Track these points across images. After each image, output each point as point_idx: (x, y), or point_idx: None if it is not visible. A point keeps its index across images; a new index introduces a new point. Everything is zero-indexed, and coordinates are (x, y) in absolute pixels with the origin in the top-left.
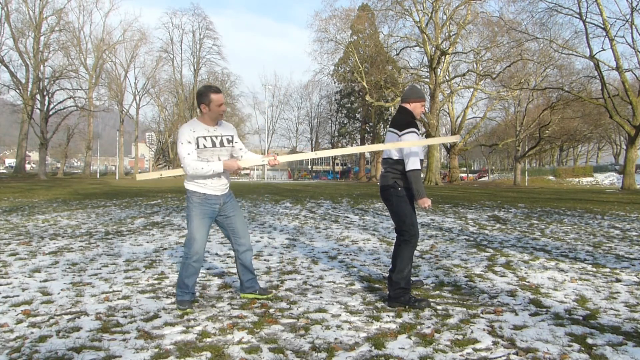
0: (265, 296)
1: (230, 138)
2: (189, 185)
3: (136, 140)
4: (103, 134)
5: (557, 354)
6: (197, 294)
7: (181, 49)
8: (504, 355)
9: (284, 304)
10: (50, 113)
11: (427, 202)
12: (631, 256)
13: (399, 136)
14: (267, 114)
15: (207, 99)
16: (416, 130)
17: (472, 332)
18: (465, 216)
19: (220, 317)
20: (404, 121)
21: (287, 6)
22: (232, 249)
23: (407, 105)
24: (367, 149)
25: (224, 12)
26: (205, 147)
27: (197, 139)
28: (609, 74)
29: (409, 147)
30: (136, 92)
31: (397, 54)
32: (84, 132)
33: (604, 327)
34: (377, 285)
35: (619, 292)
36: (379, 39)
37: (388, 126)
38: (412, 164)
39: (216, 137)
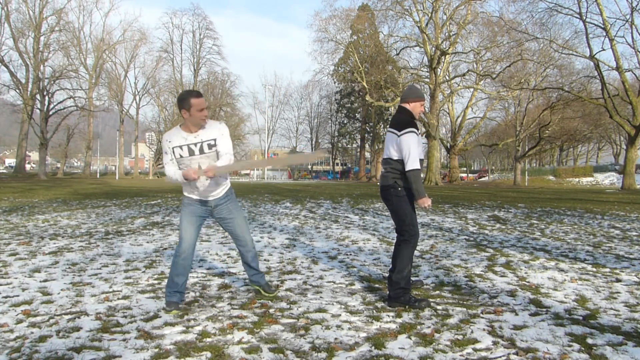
0: (268, 294)
1: (212, 142)
2: (183, 189)
3: (136, 140)
4: (103, 134)
5: (557, 354)
6: (197, 293)
7: (181, 49)
8: (504, 355)
9: (284, 304)
10: (50, 113)
11: (427, 201)
12: (631, 256)
13: (398, 136)
14: (267, 114)
15: (187, 104)
16: (415, 130)
17: (472, 332)
18: (465, 216)
19: (220, 317)
20: (402, 121)
21: (287, 6)
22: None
23: (407, 105)
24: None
25: (224, 12)
26: (181, 156)
27: (172, 149)
28: (609, 74)
29: (408, 148)
30: (136, 92)
31: (397, 54)
32: (84, 132)
33: (604, 327)
34: (377, 285)
35: (619, 292)
36: (379, 39)
37: (388, 126)
38: (412, 164)
39: (195, 144)
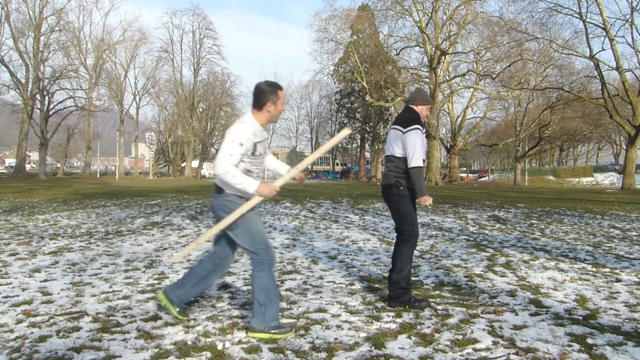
0: (182, 317)
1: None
2: (234, 191)
3: (136, 140)
4: (103, 134)
5: (557, 354)
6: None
7: (181, 49)
8: (504, 355)
9: (284, 304)
10: (50, 113)
11: (428, 199)
12: (631, 256)
13: (403, 133)
14: None
15: (275, 97)
16: (420, 128)
17: (472, 332)
18: (465, 216)
19: (220, 317)
20: (408, 118)
21: (287, 6)
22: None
23: (414, 107)
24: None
25: (224, 12)
26: (260, 154)
27: (255, 144)
28: (609, 74)
29: (413, 145)
30: (136, 92)
31: (397, 54)
32: (84, 132)
33: (604, 327)
34: (377, 285)
35: (619, 292)
36: (379, 39)
37: (391, 124)
38: (416, 161)
39: (266, 141)
